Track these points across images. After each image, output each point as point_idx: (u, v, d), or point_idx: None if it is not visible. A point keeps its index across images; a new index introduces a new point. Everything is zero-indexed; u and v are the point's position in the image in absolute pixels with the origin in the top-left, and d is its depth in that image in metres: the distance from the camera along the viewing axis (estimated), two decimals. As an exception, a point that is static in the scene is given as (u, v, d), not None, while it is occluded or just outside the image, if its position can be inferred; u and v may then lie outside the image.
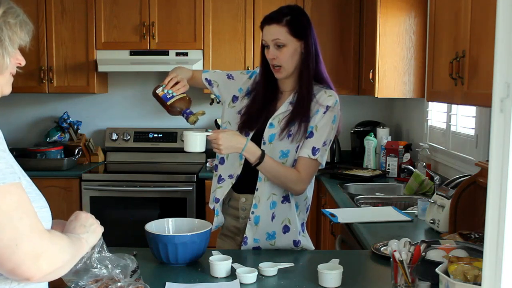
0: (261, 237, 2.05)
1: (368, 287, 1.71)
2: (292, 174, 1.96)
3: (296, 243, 2.08)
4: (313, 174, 2.04)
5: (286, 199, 2.04)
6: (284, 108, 2.02)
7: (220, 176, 2.09)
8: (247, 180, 2.04)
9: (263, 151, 1.92)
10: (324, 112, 1.97)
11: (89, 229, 1.29)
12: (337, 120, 2.03)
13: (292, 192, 2.02)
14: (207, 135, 1.89)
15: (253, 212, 2.03)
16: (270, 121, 2.02)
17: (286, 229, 2.05)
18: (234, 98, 2.13)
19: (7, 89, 1.20)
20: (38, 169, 3.85)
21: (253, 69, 3.93)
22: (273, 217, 2.04)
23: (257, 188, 2.02)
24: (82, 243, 1.24)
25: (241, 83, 2.14)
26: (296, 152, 1.99)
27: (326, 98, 1.98)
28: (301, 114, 1.97)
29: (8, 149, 1.15)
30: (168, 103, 2.01)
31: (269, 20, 1.98)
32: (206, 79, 2.21)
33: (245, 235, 2.04)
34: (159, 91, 2.03)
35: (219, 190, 2.08)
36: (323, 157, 2.00)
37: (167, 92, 2.01)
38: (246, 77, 2.16)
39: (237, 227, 2.11)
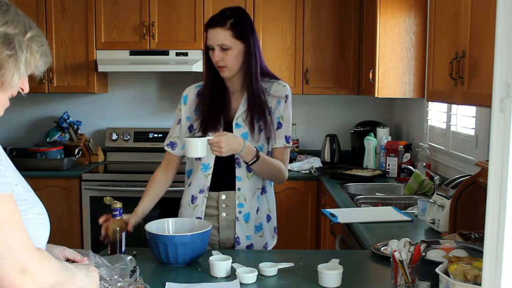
0: (251, 232, 2.10)
1: (368, 287, 1.71)
2: (279, 164, 2.08)
3: (275, 229, 2.21)
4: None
5: (264, 190, 2.14)
6: (243, 107, 2.08)
7: (192, 196, 2.13)
8: (223, 178, 2.09)
9: (257, 149, 1.99)
10: (285, 101, 2.10)
11: (88, 275, 1.25)
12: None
13: (279, 181, 2.14)
14: (208, 139, 1.91)
15: (240, 212, 2.07)
16: (234, 121, 2.08)
17: (268, 218, 2.17)
18: (190, 127, 2.14)
19: (0, 111, 1.16)
20: (38, 169, 3.85)
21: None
22: (257, 210, 2.12)
23: (239, 188, 2.07)
24: (74, 275, 1.20)
25: (185, 113, 2.16)
26: (268, 144, 2.09)
27: (281, 89, 2.11)
28: (260, 108, 2.06)
29: (5, 155, 1.12)
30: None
31: (213, 23, 2.03)
32: (167, 146, 2.19)
33: (236, 236, 2.07)
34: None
35: (197, 208, 2.11)
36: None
37: None
38: (183, 106, 2.18)
39: (216, 227, 2.11)
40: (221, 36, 2.00)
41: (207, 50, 2.06)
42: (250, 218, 2.09)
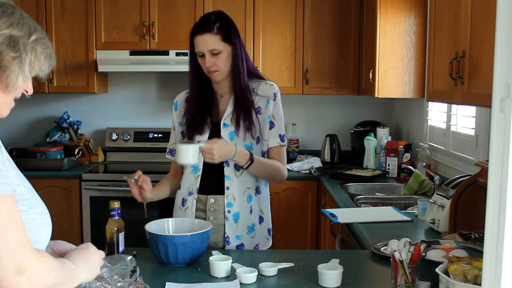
0: (243, 232, 2.09)
1: (368, 287, 1.71)
2: (276, 164, 2.08)
3: (269, 231, 2.18)
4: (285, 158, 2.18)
5: (257, 191, 2.13)
6: (231, 108, 2.09)
7: (183, 199, 2.13)
8: (213, 179, 2.09)
9: (251, 152, 2.00)
10: (274, 100, 2.10)
11: (88, 267, 1.25)
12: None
13: (279, 180, 2.13)
14: (200, 147, 1.92)
15: (229, 211, 2.07)
16: (222, 122, 2.08)
17: (261, 219, 2.15)
18: (183, 132, 2.17)
19: (4, 112, 1.17)
20: (38, 169, 3.85)
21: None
22: (251, 211, 2.11)
23: (228, 187, 2.07)
24: (74, 274, 1.19)
25: (177, 119, 2.21)
26: (258, 144, 2.09)
27: (269, 88, 2.11)
28: (246, 107, 2.06)
29: (7, 155, 1.12)
30: None
31: (200, 30, 2.03)
32: (168, 154, 2.26)
33: (226, 235, 2.07)
34: None
35: (188, 211, 2.11)
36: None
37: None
38: (174, 112, 2.22)
39: None
40: (211, 41, 2.01)
41: (193, 57, 2.07)
42: (240, 218, 2.08)
